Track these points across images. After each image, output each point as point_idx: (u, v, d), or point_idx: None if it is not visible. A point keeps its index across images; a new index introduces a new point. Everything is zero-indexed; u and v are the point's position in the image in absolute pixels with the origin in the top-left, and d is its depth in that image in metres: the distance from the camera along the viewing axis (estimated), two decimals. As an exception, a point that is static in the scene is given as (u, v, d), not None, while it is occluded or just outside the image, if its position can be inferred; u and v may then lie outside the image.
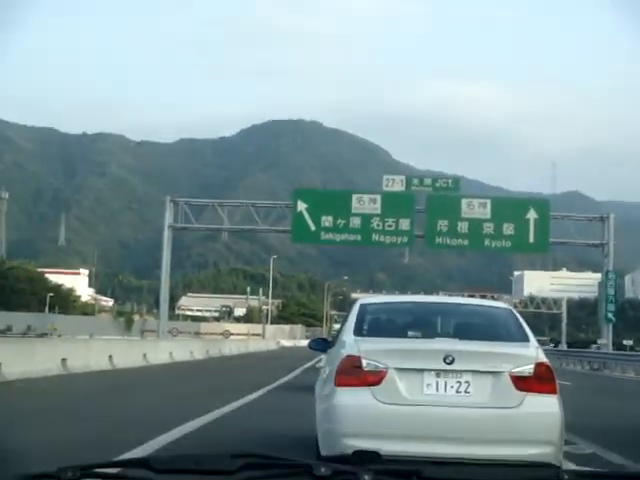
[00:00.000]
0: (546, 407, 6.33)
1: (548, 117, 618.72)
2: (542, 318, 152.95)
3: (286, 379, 21.86)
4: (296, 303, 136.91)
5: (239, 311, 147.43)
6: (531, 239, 38.82)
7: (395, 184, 40.54)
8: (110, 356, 23.83)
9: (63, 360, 20.28)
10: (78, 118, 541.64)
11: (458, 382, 6.28)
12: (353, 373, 6.30)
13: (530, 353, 6.51)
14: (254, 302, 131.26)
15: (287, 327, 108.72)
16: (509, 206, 40.23)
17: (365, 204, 39.55)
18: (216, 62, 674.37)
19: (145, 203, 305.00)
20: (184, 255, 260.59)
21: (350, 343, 6.66)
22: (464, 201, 39.93)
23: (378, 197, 39.91)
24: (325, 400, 6.61)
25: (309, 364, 33.13)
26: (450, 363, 6.23)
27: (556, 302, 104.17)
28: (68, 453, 7.61)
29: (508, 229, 39.03)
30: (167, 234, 41.05)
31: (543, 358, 6.48)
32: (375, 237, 39.76)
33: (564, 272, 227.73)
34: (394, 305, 8.44)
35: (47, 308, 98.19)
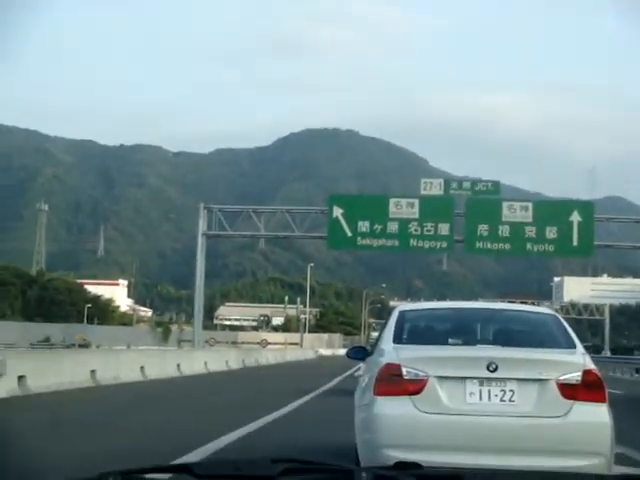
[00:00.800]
0: (595, 416, 6.09)
1: (583, 123, 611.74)
2: (583, 325, 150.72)
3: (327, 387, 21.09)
4: (334, 311, 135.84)
5: (277, 320, 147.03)
6: (575, 242, 37.57)
7: (433, 188, 39.43)
8: (142, 367, 23.19)
9: (92, 372, 19.65)
10: (116, 130, 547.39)
11: (502, 391, 6.07)
12: (393, 382, 6.11)
13: (577, 360, 6.29)
14: (292, 311, 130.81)
15: (325, 336, 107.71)
16: (552, 209, 38.81)
17: (402, 209, 38.48)
18: (251, 73, 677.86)
19: (182, 213, 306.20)
20: (221, 264, 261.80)
21: (389, 351, 6.48)
22: (505, 204, 38.64)
23: (416, 201, 38.80)
24: (364, 410, 6.43)
25: (348, 372, 32.48)
26: (494, 371, 6.04)
27: (598, 308, 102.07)
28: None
29: (551, 233, 37.63)
30: (201, 242, 40.15)
31: (591, 365, 6.25)
32: (413, 242, 38.61)
33: (605, 278, 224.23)
34: (434, 312, 8.05)
35: (85, 319, 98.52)
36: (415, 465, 4.87)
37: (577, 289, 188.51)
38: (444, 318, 7.60)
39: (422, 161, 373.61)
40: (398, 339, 6.69)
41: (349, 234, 38.34)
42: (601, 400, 6.13)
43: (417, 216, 38.23)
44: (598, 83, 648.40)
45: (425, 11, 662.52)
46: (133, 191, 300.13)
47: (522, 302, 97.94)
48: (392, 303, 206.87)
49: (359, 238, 38.49)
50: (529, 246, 37.91)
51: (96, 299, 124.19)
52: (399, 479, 2.06)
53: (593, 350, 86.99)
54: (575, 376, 6.07)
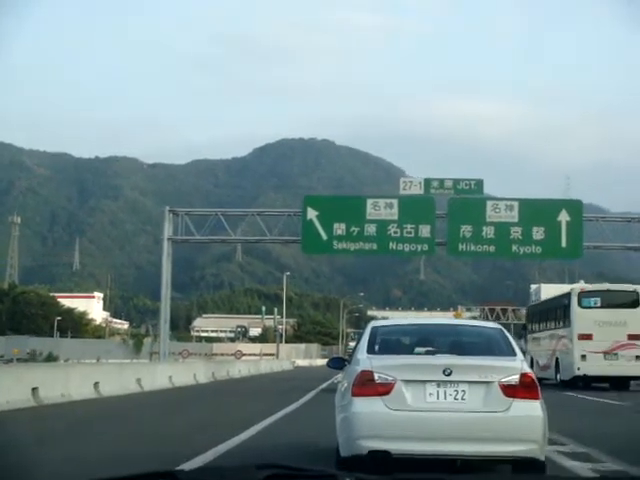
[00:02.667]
0: (530, 411, 7.36)
1: (558, 132, 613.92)
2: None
3: (294, 407, 18.68)
4: (311, 322, 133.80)
5: (254, 331, 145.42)
6: (563, 244, 35.56)
7: (413, 187, 37.39)
8: (96, 383, 20.90)
9: (34, 389, 17.36)
10: (91, 143, 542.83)
11: (455, 391, 7.31)
12: (366, 385, 7.33)
13: (516, 365, 7.56)
14: (270, 322, 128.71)
15: (302, 346, 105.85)
16: (539, 208, 36.58)
17: (381, 210, 36.32)
18: (226, 82, 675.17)
19: (159, 225, 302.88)
20: (198, 276, 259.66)
21: (364, 360, 7.65)
22: (489, 204, 36.63)
23: (395, 202, 36.63)
24: (344, 409, 7.66)
25: (323, 385, 29.80)
26: (448, 375, 7.27)
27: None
28: None
29: (538, 233, 35.60)
30: (167, 247, 37.71)
31: (527, 369, 7.59)
32: (392, 245, 36.44)
33: (582, 284, 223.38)
34: (401, 327, 9.42)
35: (55, 332, 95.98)
36: (384, 452, 6.35)
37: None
38: (409, 332, 8.87)
39: (399, 171, 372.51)
40: (371, 350, 7.90)
41: (324, 237, 36.21)
42: (535, 397, 7.44)
43: (396, 217, 36.20)
44: (574, 93, 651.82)
45: (405, 19, 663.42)
46: (108, 203, 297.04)
47: (502, 309, 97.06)
48: (370, 312, 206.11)
49: (335, 242, 36.41)
50: (515, 248, 36.01)
51: (69, 312, 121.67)
52: None
53: None
54: (514, 378, 7.36)
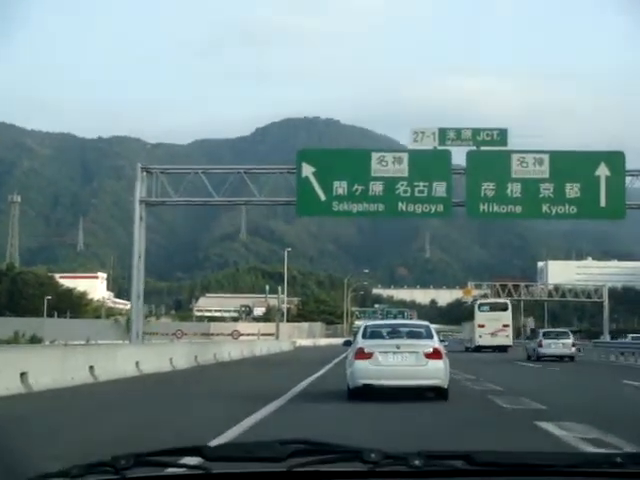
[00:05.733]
0: (437, 365, 14.96)
1: (550, 110, 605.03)
2: (569, 308, 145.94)
3: (264, 412, 13.02)
4: (315, 300, 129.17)
5: (258, 311, 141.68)
6: (602, 203, 30.46)
7: (426, 139, 32.04)
8: (23, 373, 16.25)
9: None
10: (94, 123, 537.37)
11: (401, 356, 15.06)
12: (360, 354, 15.10)
13: (431, 344, 15.36)
14: (274, 301, 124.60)
15: (305, 325, 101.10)
16: (573, 162, 31.40)
17: (388, 165, 31.49)
18: (231, 63, 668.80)
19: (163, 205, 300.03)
20: (202, 256, 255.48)
21: (360, 342, 15.61)
22: (515, 157, 31.53)
23: (404, 156, 31.83)
24: (350, 365, 15.41)
25: (323, 370, 26.26)
26: (398, 349, 15.16)
27: (597, 291, 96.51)
28: None
29: (572, 191, 30.24)
30: (139, 210, 32.84)
31: (436, 345, 15.35)
32: (402, 206, 31.61)
33: (589, 261, 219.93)
34: (379, 325, 18.86)
35: (45, 312, 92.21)
36: (369, 385, 15.05)
37: (562, 273, 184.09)
38: (383, 327, 17.70)
39: (403, 148, 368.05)
40: (364, 336, 15.92)
41: (322, 198, 31.55)
42: (439, 358, 15.05)
43: (406, 174, 31.47)
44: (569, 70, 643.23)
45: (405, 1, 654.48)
46: (112, 183, 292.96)
47: (514, 285, 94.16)
48: (375, 291, 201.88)
49: (335, 202, 31.72)
50: (545, 208, 30.90)
51: (68, 292, 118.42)
52: (408, 459, 2.17)
53: (590, 335, 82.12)
54: (429, 350, 15.09)
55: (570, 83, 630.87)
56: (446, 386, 15.01)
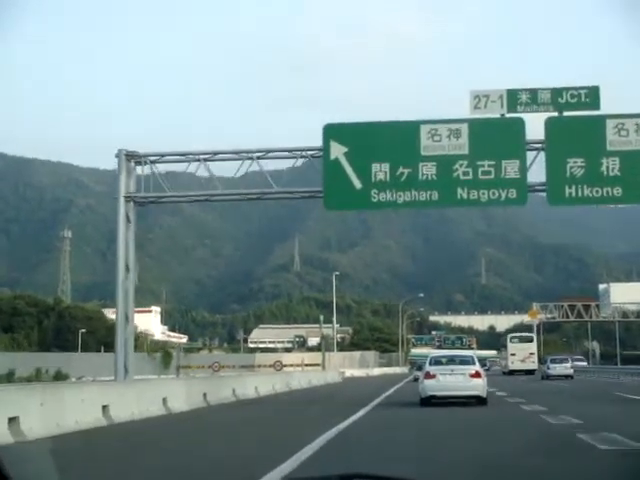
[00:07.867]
0: (477, 382, 23.93)
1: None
2: (632, 330, 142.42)
3: None
4: (369, 328, 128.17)
5: (313, 341, 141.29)
6: None
7: (490, 105, 25.50)
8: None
9: None
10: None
11: (454, 376, 23.95)
12: (428, 375, 24.08)
13: (474, 368, 24.24)
14: (328, 330, 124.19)
15: (357, 354, 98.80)
16: None
17: (442, 140, 25.36)
18: (277, 93, 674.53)
19: (217, 238, 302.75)
20: (256, 288, 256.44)
21: (428, 367, 24.76)
22: (610, 123, 24.99)
23: (464, 127, 25.41)
24: (422, 382, 24.47)
25: (353, 418, 18.93)
26: (452, 371, 24.19)
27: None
28: None
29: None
30: (123, 209, 27.66)
31: (478, 368, 24.39)
32: (462, 193, 25.33)
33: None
34: (440, 355, 27.66)
35: (79, 346, 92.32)
36: (434, 396, 24.23)
37: (625, 295, 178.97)
38: (443, 356, 26.91)
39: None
40: (430, 363, 25.06)
41: (358, 186, 25.52)
42: (480, 377, 24.05)
43: (466, 151, 25.33)
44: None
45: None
46: (167, 218, 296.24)
47: (584, 305, 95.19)
48: (432, 318, 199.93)
49: (374, 191, 25.46)
50: None
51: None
52: None
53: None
54: (473, 371, 24.07)
55: None
56: (485, 395, 24.17)
